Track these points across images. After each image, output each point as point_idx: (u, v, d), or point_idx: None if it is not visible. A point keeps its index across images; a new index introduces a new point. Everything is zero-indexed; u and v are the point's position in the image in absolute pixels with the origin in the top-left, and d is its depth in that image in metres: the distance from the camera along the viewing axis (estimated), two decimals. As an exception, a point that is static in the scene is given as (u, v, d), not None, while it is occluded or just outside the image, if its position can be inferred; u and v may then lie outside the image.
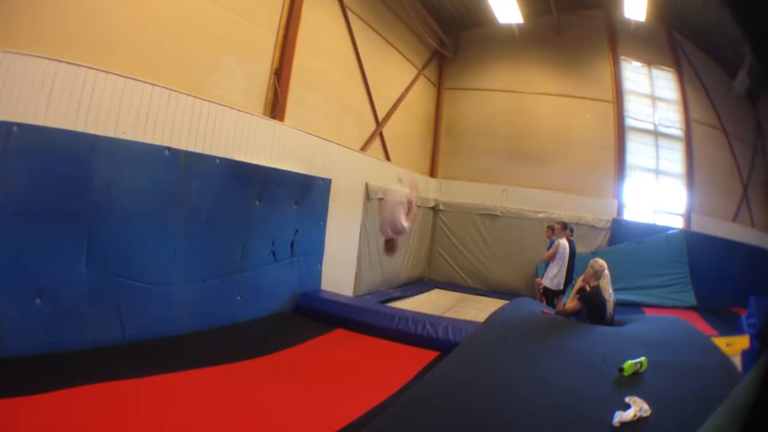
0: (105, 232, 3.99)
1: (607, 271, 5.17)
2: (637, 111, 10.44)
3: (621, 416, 2.41)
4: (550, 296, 6.88)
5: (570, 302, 5.08)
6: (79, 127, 3.88)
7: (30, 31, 3.76)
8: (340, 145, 7.47)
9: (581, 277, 6.32)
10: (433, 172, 11.54)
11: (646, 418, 2.44)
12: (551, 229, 7.60)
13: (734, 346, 4.75)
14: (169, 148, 4.53)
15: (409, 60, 10.11)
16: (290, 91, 6.47)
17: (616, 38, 10.46)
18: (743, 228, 9.74)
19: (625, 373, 3.10)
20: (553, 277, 6.82)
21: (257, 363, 4.20)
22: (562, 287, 6.86)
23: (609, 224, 9.88)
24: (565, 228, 7.19)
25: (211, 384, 3.59)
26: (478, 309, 8.27)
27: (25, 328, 3.48)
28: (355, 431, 3.04)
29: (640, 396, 2.63)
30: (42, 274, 3.59)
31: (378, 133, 9.01)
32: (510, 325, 4.62)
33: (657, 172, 10.26)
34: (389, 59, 9.39)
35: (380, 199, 8.33)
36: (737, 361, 3.91)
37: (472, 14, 11.01)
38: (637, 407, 2.48)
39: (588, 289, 5.31)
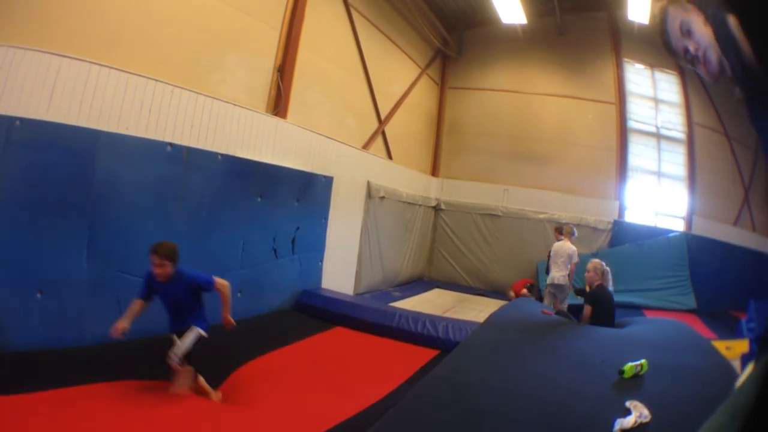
0: (106, 227, 3.99)
1: (608, 267, 5.21)
2: (639, 113, 10.42)
3: (622, 424, 2.39)
4: None
5: (585, 311, 5.10)
6: (82, 122, 3.88)
7: (33, 26, 3.76)
8: (342, 143, 7.47)
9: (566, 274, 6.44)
10: (434, 171, 11.54)
11: (646, 423, 2.43)
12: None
13: (734, 349, 4.75)
14: (171, 144, 4.53)
15: (412, 59, 10.11)
16: (293, 88, 6.47)
17: (620, 40, 10.44)
18: (744, 232, 9.74)
19: (626, 375, 3.09)
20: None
21: (256, 360, 4.20)
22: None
23: (610, 226, 9.88)
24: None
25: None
26: (478, 310, 8.27)
27: (25, 322, 3.49)
28: (354, 427, 3.05)
29: (641, 399, 2.62)
30: (43, 268, 3.60)
31: (380, 131, 9.01)
32: (510, 325, 4.61)
33: (659, 174, 10.25)
34: (392, 58, 9.39)
35: (382, 198, 8.35)
36: (737, 364, 3.91)
37: (476, 14, 11.00)
38: (637, 413, 2.47)
39: (588, 290, 5.31)
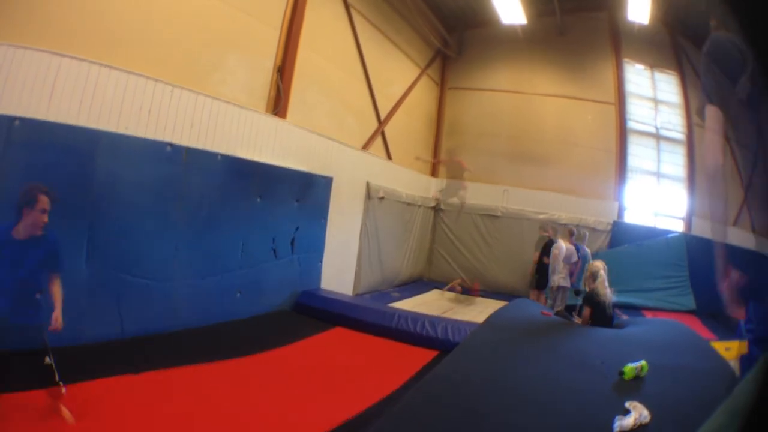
0: (105, 227, 3.98)
1: (603, 272, 5.17)
2: (639, 114, 10.42)
3: (621, 424, 2.39)
4: None
5: (585, 311, 5.11)
6: (81, 122, 3.87)
7: (33, 25, 3.75)
8: (341, 143, 7.47)
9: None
10: (434, 172, 11.53)
11: (645, 424, 2.42)
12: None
13: (733, 350, 4.75)
14: (170, 144, 4.53)
15: (412, 59, 10.10)
16: (293, 88, 6.47)
17: (620, 40, 10.43)
18: (744, 232, 9.71)
19: (626, 377, 3.09)
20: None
21: (256, 359, 4.20)
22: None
23: (609, 226, 9.87)
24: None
25: (210, 380, 3.59)
26: (477, 310, 8.26)
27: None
28: (354, 427, 3.05)
29: (640, 399, 2.62)
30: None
31: (380, 131, 9.01)
32: (509, 325, 4.62)
33: (658, 175, 10.25)
34: (392, 58, 9.38)
35: (381, 198, 8.34)
36: (736, 365, 3.91)
37: (476, 14, 10.99)
38: (637, 413, 2.46)
39: (587, 290, 5.32)
